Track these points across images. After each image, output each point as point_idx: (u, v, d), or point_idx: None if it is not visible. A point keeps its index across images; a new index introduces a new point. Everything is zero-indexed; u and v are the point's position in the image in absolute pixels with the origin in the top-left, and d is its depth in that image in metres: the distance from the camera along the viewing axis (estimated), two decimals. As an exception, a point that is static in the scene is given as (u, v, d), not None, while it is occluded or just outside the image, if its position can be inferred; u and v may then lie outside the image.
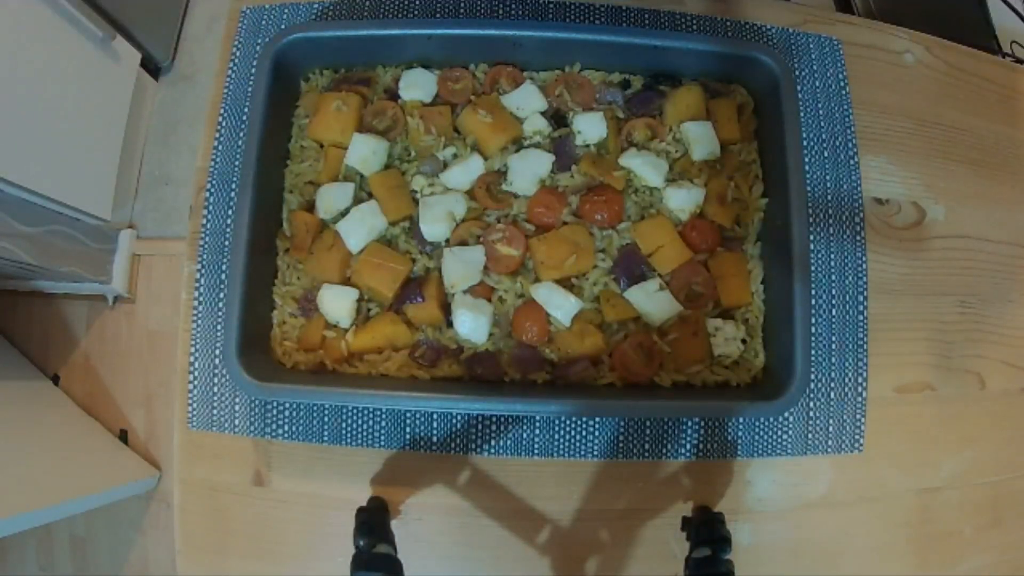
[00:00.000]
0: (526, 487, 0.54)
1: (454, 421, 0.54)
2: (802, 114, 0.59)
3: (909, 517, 0.55)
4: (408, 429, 0.54)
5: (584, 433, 0.54)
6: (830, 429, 0.55)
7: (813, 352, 0.55)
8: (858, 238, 0.58)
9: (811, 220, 0.57)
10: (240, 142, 0.57)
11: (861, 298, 0.57)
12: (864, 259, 0.57)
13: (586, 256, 0.51)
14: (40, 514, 0.94)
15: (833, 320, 0.56)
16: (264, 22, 0.61)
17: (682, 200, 0.52)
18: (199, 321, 0.55)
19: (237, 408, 0.54)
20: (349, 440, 0.54)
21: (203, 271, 0.56)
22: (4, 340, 1.32)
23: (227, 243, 0.56)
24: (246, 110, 0.58)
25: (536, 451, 0.54)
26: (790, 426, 0.55)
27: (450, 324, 0.51)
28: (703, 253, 0.52)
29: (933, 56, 0.63)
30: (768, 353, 0.51)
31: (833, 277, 0.57)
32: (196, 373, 0.55)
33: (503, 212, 0.53)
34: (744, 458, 0.54)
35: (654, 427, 0.54)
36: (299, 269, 0.53)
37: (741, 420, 0.54)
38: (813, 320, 0.56)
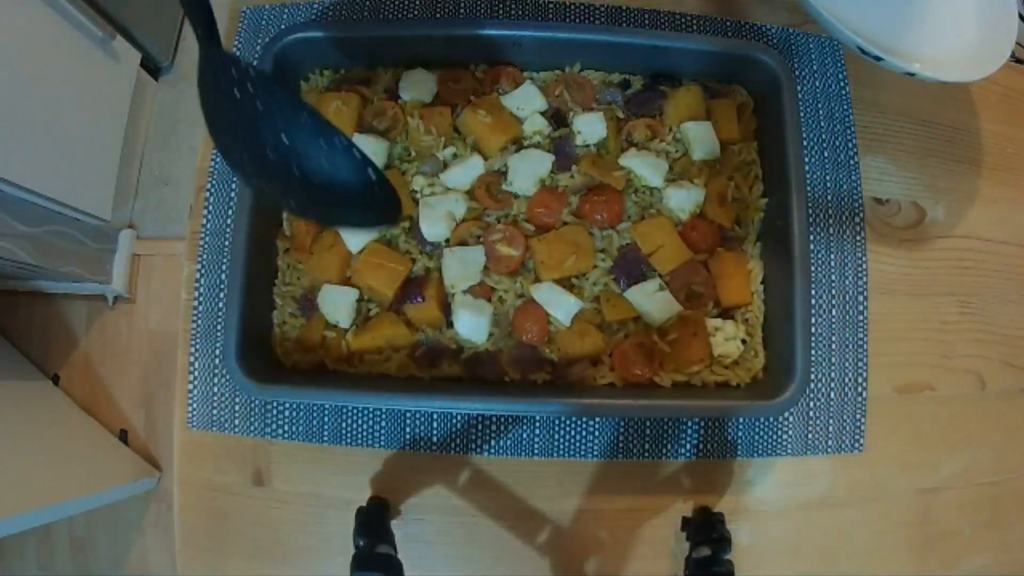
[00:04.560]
0: (526, 487, 0.54)
1: (454, 421, 0.54)
2: (802, 114, 0.59)
3: (909, 517, 0.55)
4: (408, 429, 0.54)
5: (584, 433, 0.54)
6: (830, 429, 0.55)
7: (813, 352, 0.55)
8: (858, 238, 0.58)
9: (811, 220, 0.57)
10: (240, 142, 0.57)
11: (861, 298, 0.57)
12: (864, 259, 0.57)
13: (586, 256, 0.51)
14: (40, 514, 0.94)
15: (833, 320, 0.56)
16: (264, 22, 0.61)
17: (682, 200, 0.52)
18: (199, 321, 0.55)
19: (237, 408, 0.54)
20: (349, 440, 0.54)
21: (203, 271, 0.56)
22: (4, 340, 1.32)
23: (227, 243, 0.56)
24: (246, 110, 0.58)
25: (536, 451, 0.54)
26: (790, 426, 0.55)
27: (450, 324, 0.51)
28: (703, 253, 0.52)
29: (933, 56, 0.63)
30: (768, 353, 0.51)
31: (833, 277, 0.57)
32: (196, 373, 0.55)
33: (503, 212, 0.53)
34: (744, 458, 0.54)
35: (654, 427, 0.54)
36: (299, 269, 0.53)
37: (741, 420, 0.54)
38: (813, 320, 0.56)
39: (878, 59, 0.50)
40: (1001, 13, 0.55)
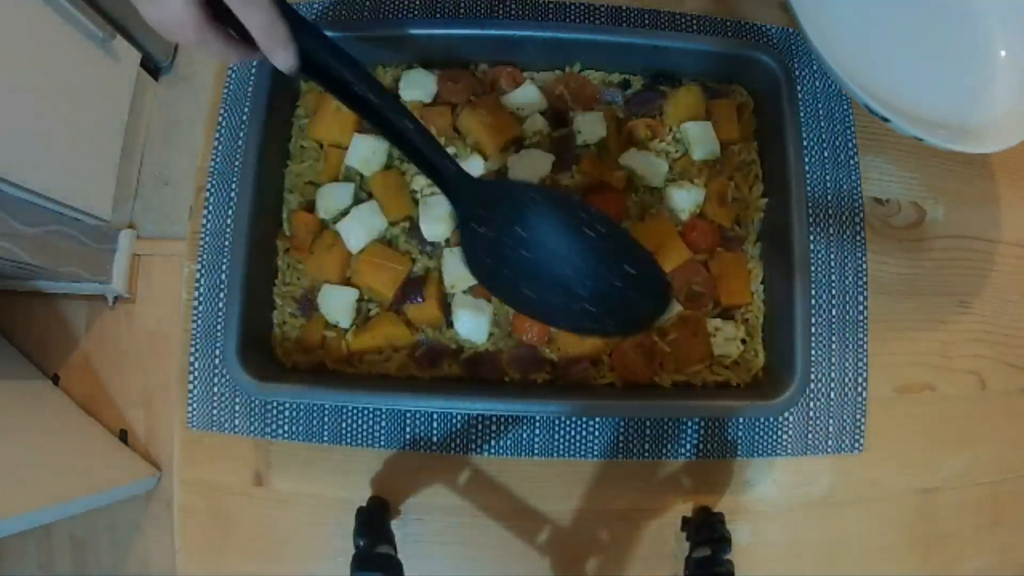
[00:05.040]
0: (526, 487, 0.54)
1: (454, 421, 0.54)
2: (802, 114, 0.59)
3: (909, 517, 0.55)
4: (408, 429, 0.54)
5: (584, 433, 0.54)
6: (830, 429, 0.55)
7: (813, 352, 0.55)
8: (858, 238, 0.58)
9: (811, 220, 0.57)
10: (240, 142, 0.57)
11: (861, 298, 0.57)
12: (864, 259, 0.57)
13: (586, 256, 0.51)
14: (40, 514, 0.94)
15: (833, 320, 0.56)
16: (264, 22, 0.60)
17: (682, 200, 0.52)
18: (199, 321, 0.55)
19: (237, 408, 0.54)
20: (349, 440, 0.54)
21: (203, 271, 0.56)
22: (4, 340, 1.32)
23: (227, 243, 0.56)
24: (246, 110, 0.58)
25: (536, 451, 0.54)
26: (790, 426, 0.55)
27: (450, 324, 0.51)
28: (703, 253, 0.52)
29: (933, 56, 0.63)
30: (768, 353, 0.51)
31: (833, 277, 0.57)
32: (196, 373, 0.55)
33: (503, 212, 0.52)
34: (744, 458, 0.54)
35: (654, 427, 0.54)
36: (299, 269, 0.53)
37: (741, 420, 0.54)
38: (813, 320, 0.56)
39: (885, 119, 0.46)
40: None
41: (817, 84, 0.60)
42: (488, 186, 0.41)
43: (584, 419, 0.54)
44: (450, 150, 0.53)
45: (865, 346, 0.56)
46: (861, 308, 0.57)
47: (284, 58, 0.37)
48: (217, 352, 0.55)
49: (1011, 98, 0.52)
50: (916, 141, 0.48)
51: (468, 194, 0.40)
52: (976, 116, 0.51)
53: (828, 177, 0.59)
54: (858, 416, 0.55)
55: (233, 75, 0.59)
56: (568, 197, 0.41)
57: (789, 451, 0.55)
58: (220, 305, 0.55)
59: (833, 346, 0.56)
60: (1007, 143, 0.48)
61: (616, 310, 0.41)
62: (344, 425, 0.54)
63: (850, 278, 0.57)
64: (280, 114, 0.54)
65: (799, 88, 0.59)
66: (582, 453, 0.54)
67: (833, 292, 0.57)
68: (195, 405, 0.55)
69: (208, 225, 0.57)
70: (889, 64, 0.52)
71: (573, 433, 0.54)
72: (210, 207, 0.57)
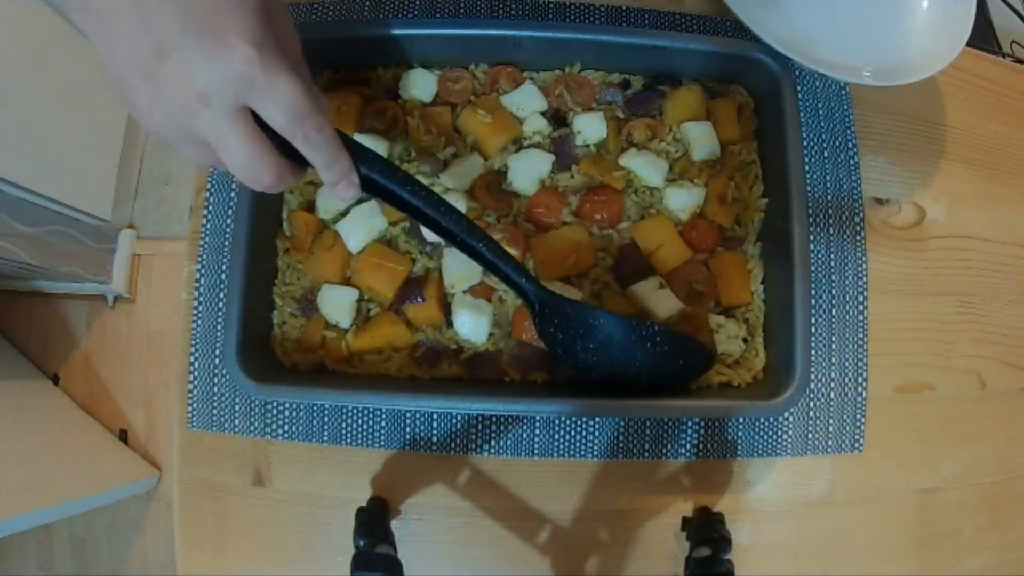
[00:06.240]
0: (526, 487, 0.54)
1: (454, 421, 0.54)
2: (802, 114, 0.59)
3: (909, 517, 0.55)
4: (408, 429, 0.54)
5: (584, 433, 0.54)
6: (830, 429, 0.55)
7: (813, 352, 0.55)
8: (858, 238, 0.58)
9: (811, 220, 0.57)
10: (240, 142, 0.57)
11: (861, 298, 0.57)
12: (864, 259, 0.57)
13: (586, 256, 0.51)
14: (40, 514, 0.94)
15: (833, 320, 0.56)
16: (264, 22, 0.60)
17: (682, 200, 0.52)
18: (199, 321, 0.55)
19: (237, 408, 0.54)
20: (349, 440, 0.54)
21: (203, 271, 0.56)
22: (4, 340, 1.32)
23: (227, 243, 0.56)
24: (246, 110, 0.57)
25: (536, 451, 0.54)
26: (790, 426, 0.55)
27: (450, 324, 0.51)
28: (703, 253, 0.52)
29: (933, 56, 0.63)
30: (768, 353, 0.51)
31: (833, 277, 0.57)
32: (196, 373, 0.55)
33: (503, 212, 0.53)
34: (744, 458, 0.54)
35: (654, 427, 0.54)
36: (299, 269, 0.53)
37: (741, 420, 0.54)
38: (813, 320, 0.56)
39: (788, 57, 0.50)
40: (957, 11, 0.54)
41: (817, 84, 0.60)
42: (558, 298, 0.45)
43: (584, 419, 0.54)
44: (450, 150, 0.53)
45: (865, 346, 0.56)
46: (861, 308, 0.57)
47: (347, 190, 0.37)
48: (217, 352, 0.55)
49: (927, 38, 0.54)
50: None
51: (541, 299, 0.45)
52: (893, 57, 0.54)
53: (828, 177, 0.59)
54: (858, 416, 0.55)
55: (233, 75, 0.59)
56: (631, 319, 0.46)
57: (789, 451, 0.55)
58: (220, 305, 0.55)
59: (833, 346, 0.56)
60: (920, 76, 0.51)
61: (674, 385, 0.49)
62: (344, 425, 0.54)
63: (850, 278, 0.57)
64: (280, 114, 0.53)
65: (799, 88, 0.59)
66: (582, 453, 0.54)
67: (833, 292, 0.57)
68: (195, 405, 0.55)
69: (208, 225, 0.57)
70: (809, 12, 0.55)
71: (573, 433, 0.54)
72: (210, 207, 0.57)
